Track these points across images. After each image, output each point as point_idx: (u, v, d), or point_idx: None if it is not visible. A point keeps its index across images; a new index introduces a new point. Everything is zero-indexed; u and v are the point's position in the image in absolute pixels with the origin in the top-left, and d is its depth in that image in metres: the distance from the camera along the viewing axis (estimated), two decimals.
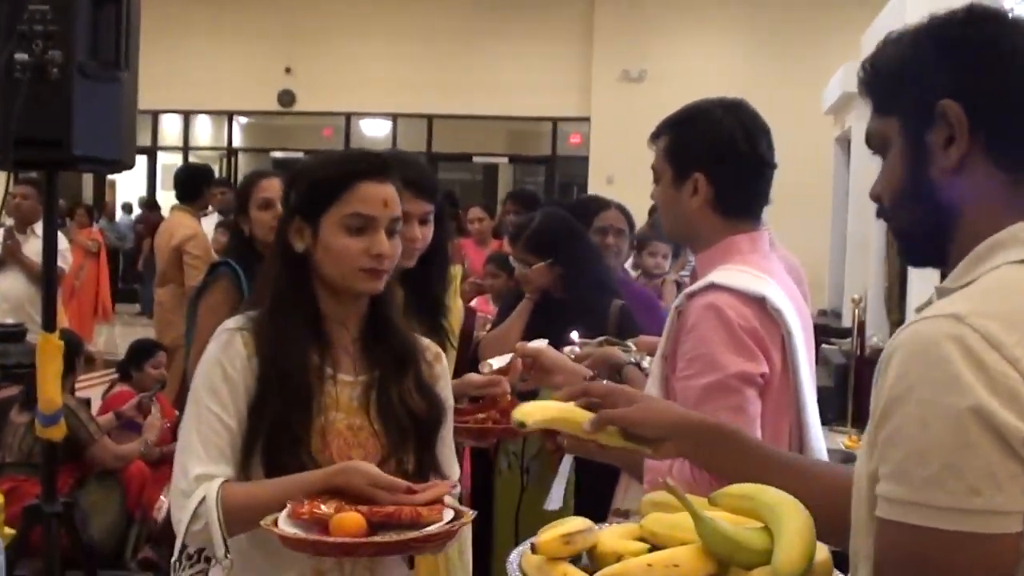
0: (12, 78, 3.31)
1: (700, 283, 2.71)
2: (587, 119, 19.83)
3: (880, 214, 1.81)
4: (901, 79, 1.74)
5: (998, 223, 1.64)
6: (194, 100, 20.62)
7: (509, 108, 20.00)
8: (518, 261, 4.74)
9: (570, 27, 19.96)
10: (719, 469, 2.11)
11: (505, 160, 22.14)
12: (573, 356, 3.35)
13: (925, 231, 1.74)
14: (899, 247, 1.84)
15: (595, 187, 17.70)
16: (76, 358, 6.44)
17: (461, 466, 3.71)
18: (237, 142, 22.53)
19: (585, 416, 2.13)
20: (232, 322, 2.69)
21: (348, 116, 21.42)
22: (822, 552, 1.79)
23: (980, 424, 1.43)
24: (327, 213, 2.63)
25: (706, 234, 2.83)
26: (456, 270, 3.99)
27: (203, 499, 2.50)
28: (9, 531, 4.80)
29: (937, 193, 1.68)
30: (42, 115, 3.33)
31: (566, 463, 3.76)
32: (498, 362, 3.64)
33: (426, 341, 2.91)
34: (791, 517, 1.75)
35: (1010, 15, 1.72)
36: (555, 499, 3.76)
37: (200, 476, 2.52)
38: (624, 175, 13.30)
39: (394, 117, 21.42)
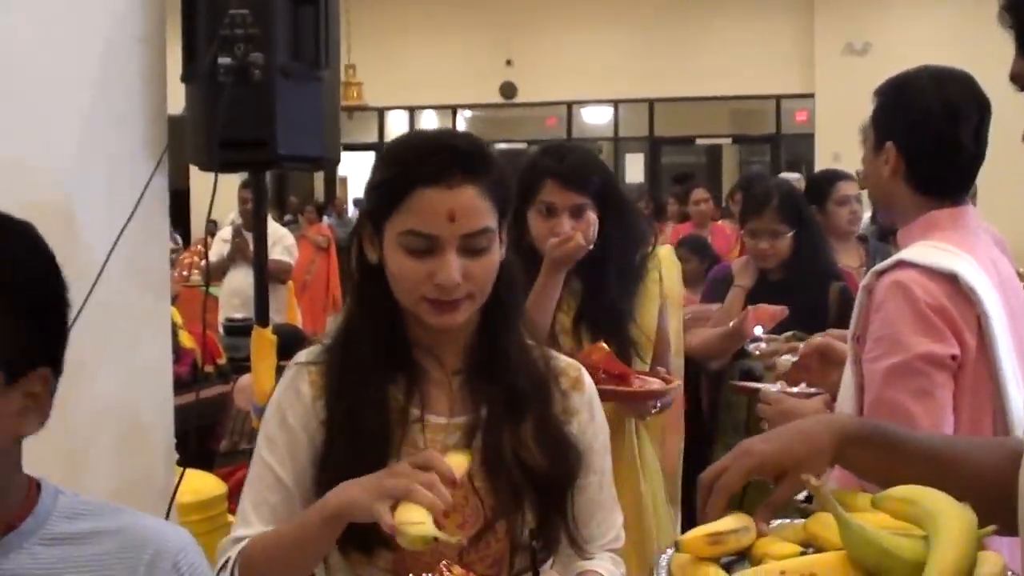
0: (216, 82, 3.39)
1: (889, 260, 2.62)
2: (811, 95, 19.45)
3: None
4: None
5: None
6: (418, 95, 20.91)
7: (730, 87, 19.75)
8: (762, 233, 4.64)
9: (790, 1, 19.60)
10: (863, 472, 1.87)
11: (729, 141, 21.90)
12: (758, 352, 3.25)
13: None
14: None
15: (822, 164, 17.36)
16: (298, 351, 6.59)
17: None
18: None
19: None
20: (304, 354, 2.22)
21: (569, 105, 21.45)
22: (992, 564, 1.57)
23: None
24: (389, 222, 2.08)
25: (902, 207, 2.73)
26: (657, 261, 3.71)
27: (225, 562, 2.09)
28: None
29: None
30: (246, 117, 3.40)
31: None
32: (760, 343, 3.38)
33: (564, 363, 2.30)
34: (949, 526, 1.55)
35: None
36: None
37: (239, 539, 2.10)
38: (851, 151, 12.75)
39: (615, 103, 21.38)
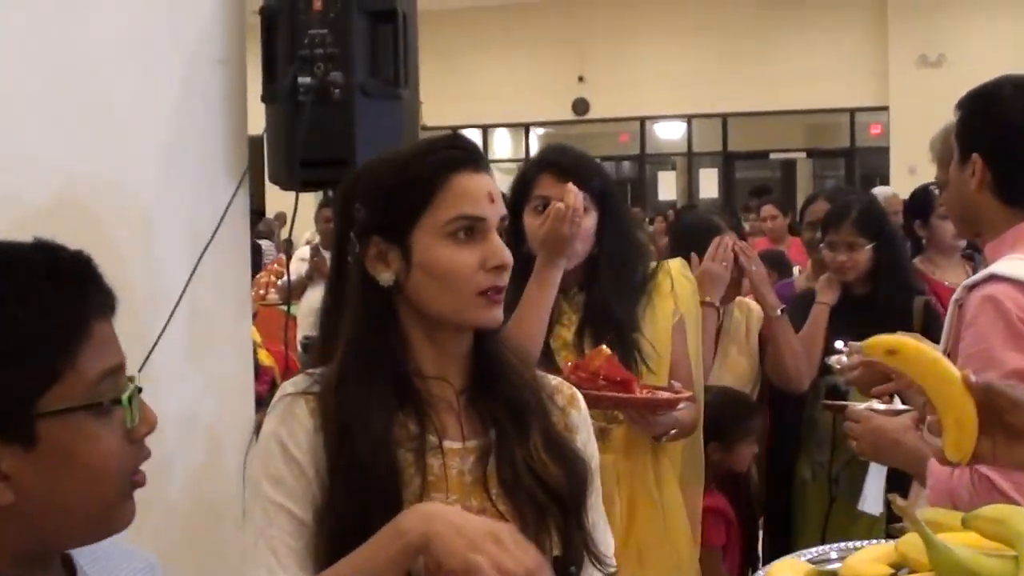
0: (296, 101, 3.41)
1: (981, 274, 2.57)
2: (885, 108, 19.29)
3: None
4: None
5: None
6: (491, 114, 20.95)
7: (804, 101, 19.62)
8: (840, 245, 4.60)
9: (862, 13, 19.44)
10: None
11: (803, 155, 21.76)
12: (840, 367, 3.20)
13: None
14: None
15: (897, 178, 17.22)
16: None
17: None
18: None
19: (955, 376, 1.82)
20: (292, 384, 2.07)
21: (642, 120, 21.43)
22: None
23: None
24: (419, 224, 2.01)
25: (989, 221, 2.68)
26: (667, 275, 3.42)
27: None
28: None
29: None
30: (326, 135, 3.43)
31: (879, 468, 3.63)
32: (842, 356, 3.31)
33: (555, 381, 2.25)
34: None
35: None
36: (871, 500, 3.64)
37: None
38: (927, 165, 12.58)
39: (688, 118, 21.32)
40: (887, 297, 4.41)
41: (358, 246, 2.05)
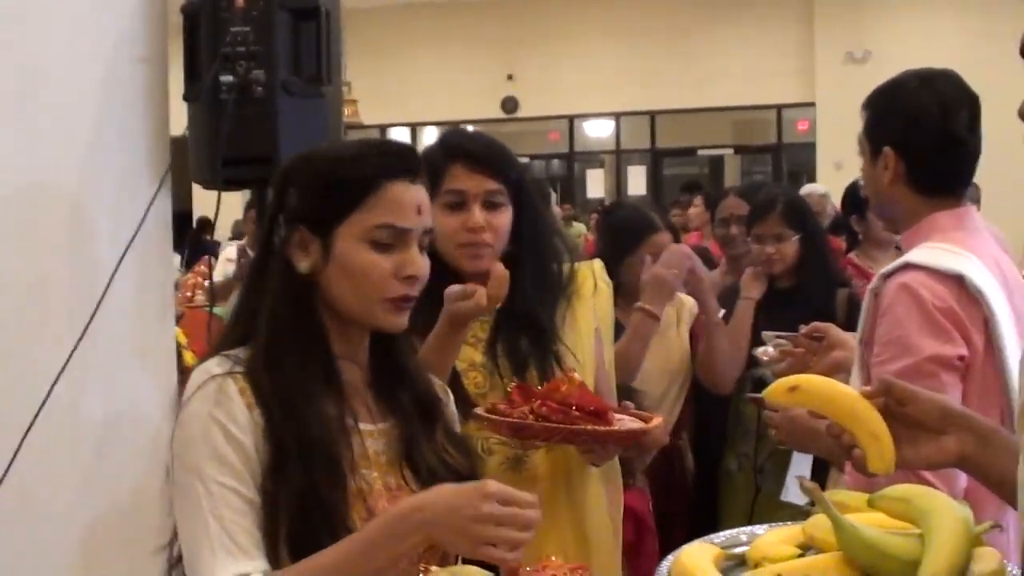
0: (218, 100, 3.39)
1: (896, 263, 2.62)
2: (812, 104, 19.46)
3: None
4: None
5: None
6: (420, 112, 20.91)
7: (731, 98, 19.76)
8: (767, 237, 4.63)
9: (789, 11, 19.60)
10: (1000, 478, 1.82)
11: (730, 151, 21.91)
12: (766, 358, 3.23)
13: None
14: None
15: (823, 173, 17.40)
16: None
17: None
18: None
19: (855, 394, 1.88)
20: (216, 365, 2.08)
21: (571, 118, 21.49)
22: (989, 560, 1.59)
23: None
24: (346, 222, 2.08)
25: (904, 211, 2.74)
26: (584, 269, 3.13)
27: None
28: None
29: None
30: (248, 134, 3.40)
31: (803, 457, 3.67)
32: (767, 347, 3.31)
33: (431, 376, 2.34)
34: (943, 524, 1.57)
35: None
36: (794, 490, 3.68)
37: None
38: (853, 160, 12.71)
39: (617, 116, 21.40)
40: (811, 290, 4.45)
41: (284, 230, 2.11)
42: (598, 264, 3.22)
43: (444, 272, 2.75)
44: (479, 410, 2.68)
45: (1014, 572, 1.63)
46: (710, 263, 7.20)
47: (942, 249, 2.59)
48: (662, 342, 4.45)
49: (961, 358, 2.49)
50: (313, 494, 1.98)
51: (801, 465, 3.59)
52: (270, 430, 2.01)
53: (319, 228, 2.09)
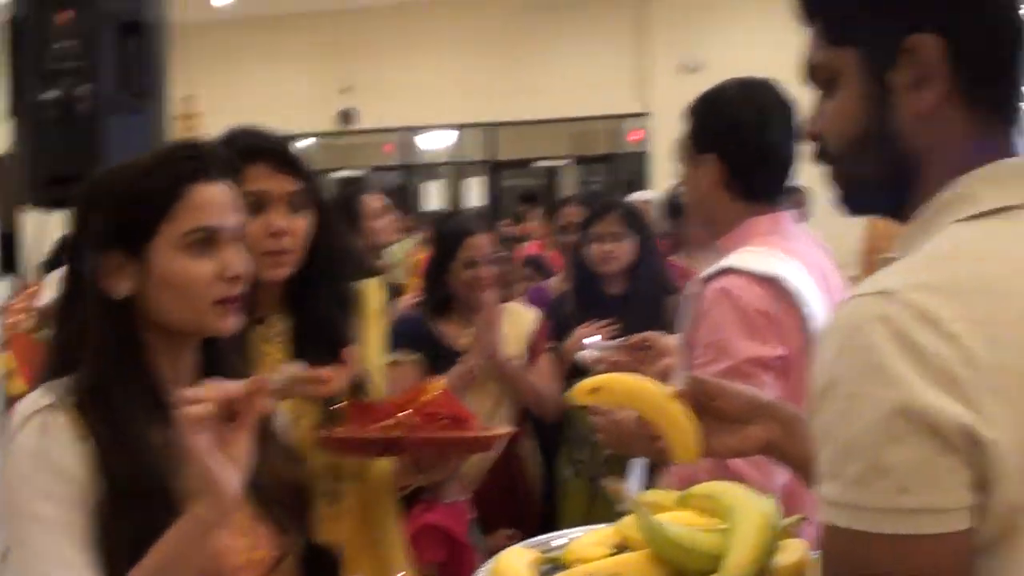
0: (42, 116, 3.34)
1: (715, 267, 2.68)
2: (647, 115, 19.69)
3: (821, 156, 1.63)
4: (865, 5, 1.52)
5: (960, 174, 1.46)
6: (257, 124, 20.68)
7: (568, 109, 19.89)
8: (605, 236, 4.68)
9: (623, 22, 19.80)
10: (804, 462, 1.84)
11: (567, 162, 22.07)
12: (590, 361, 3.28)
13: (882, 180, 1.55)
14: (845, 195, 1.63)
15: (659, 182, 17.60)
16: None
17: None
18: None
19: (659, 389, 1.93)
20: (41, 396, 2.01)
21: (408, 130, 21.45)
22: (793, 551, 1.67)
23: (909, 419, 1.27)
24: (157, 236, 2.02)
25: (723, 216, 2.81)
26: (370, 287, 2.97)
27: None
28: None
29: (902, 140, 1.50)
30: (73, 151, 3.36)
31: (637, 461, 3.71)
32: (593, 351, 3.33)
33: None
34: (748, 518, 1.64)
35: None
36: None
37: None
38: None
39: (454, 128, 21.42)
40: (641, 296, 4.51)
41: (93, 257, 2.04)
42: (376, 282, 3.05)
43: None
44: (327, 432, 2.59)
45: None
46: (547, 272, 7.29)
47: (759, 253, 2.66)
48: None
49: (779, 358, 2.55)
50: (150, 528, 1.90)
51: (637, 473, 3.63)
52: (102, 463, 1.94)
53: (131, 248, 2.04)
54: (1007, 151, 1.47)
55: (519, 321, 4.59)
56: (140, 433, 1.99)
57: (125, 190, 2.06)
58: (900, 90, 1.49)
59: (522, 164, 21.85)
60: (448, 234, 4.56)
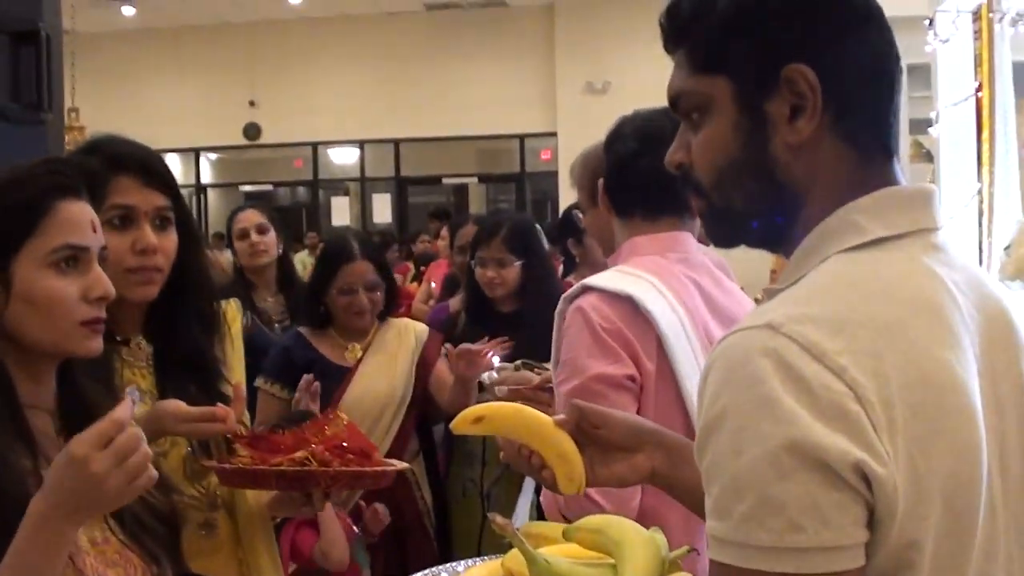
0: None
1: (576, 286, 2.68)
2: (554, 134, 19.77)
3: (689, 185, 1.57)
4: (737, 33, 1.48)
5: (837, 206, 1.43)
6: (160, 139, 20.20)
7: (476, 127, 19.97)
8: (489, 261, 4.66)
9: (531, 42, 19.92)
10: (690, 490, 1.79)
11: (475, 180, 22.10)
12: (489, 381, 3.25)
13: (755, 212, 1.50)
14: (715, 227, 1.58)
15: (565, 200, 17.62)
16: None
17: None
18: (206, 178, 22.39)
19: (544, 419, 1.90)
20: None
21: (315, 145, 21.36)
22: None
23: (797, 455, 1.23)
24: (22, 251, 1.92)
25: (614, 238, 2.83)
26: (231, 308, 2.86)
27: None
28: None
29: (779, 171, 1.46)
30: None
31: (528, 485, 3.69)
32: (493, 373, 3.29)
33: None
34: (634, 552, 1.63)
35: None
36: (522, 518, 3.70)
37: None
38: None
39: (361, 144, 21.37)
40: (533, 314, 4.48)
41: None
42: (236, 302, 2.95)
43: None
44: (225, 464, 2.52)
45: None
46: (458, 289, 7.27)
47: (620, 272, 2.67)
48: (380, 369, 4.40)
49: (631, 378, 2.53)
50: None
51: (528, 492, 3.61)
52: None
53: None
54: (888, 180, 1.45)
55: (407, 335, 4.52)
56: (6, 460, 1.84)
57: None
58: (776, 120, 1.45)
59: (429, 181, 21.85)
60: (327, 258, 4.48)
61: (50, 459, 1.86)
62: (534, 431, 1.87)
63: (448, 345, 4.25)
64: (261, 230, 5.54)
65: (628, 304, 2.56)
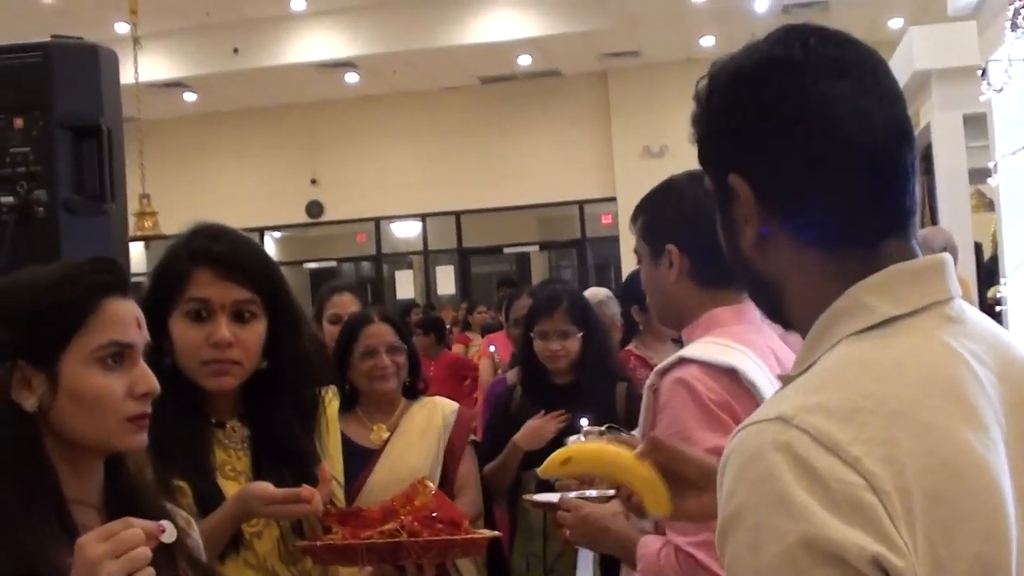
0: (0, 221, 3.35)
1: (671, 358, 2.66)
2: (613, 199, 19.81)
3: None
4: (702, 137, 1.54)
5: (825, 294, 1.41)
6: (224, 219, 20.09)
7: (535, 195, 20.06)
8: (552, 334, 4.67)
9: (587, 109, 20.05)
10: None
11: (536, 248, 22.16)
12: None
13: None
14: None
15: (627, 264, 17.67)
16: None
17: None
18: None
19: (626, 453, 2.01)
20: None
21: (377, 220, 21.53)
22: None
23: (814, 552, 1.21)
24: (69, 348, 1.94)
25: (688, 308, 2.77)
26: (328, 392, 2.87)
27: None
28: None
29: (752, 268, 1.50)
30: (30, 255, 3.35)
31: (585, 556, 3.69)
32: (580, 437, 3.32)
33: (171, 507, 2.15)
34: None
35: (812, 49, 1.44)
36: None
37: None
38: None
39: (423, 217, 21.51)
40: (591, 385, 4.49)
41: None
42: (334, 388, 2.98)
43: (187, 387, 2.57)
44: (315, 542, 2.55)
45: None
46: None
47: (717, 343, 2.64)
48: (407, 451, 4.30)
49: None
50: None
51: (586, 565, 3.62)
52: None
53: (40, 361, 1.93)
54: (877, 264, 1.41)
55: (435, 415, 4.38)
56: (45, 560, 1.83)
57: (35, 302, 1.95)
58: (738, 222, 1.49)
59: (491, 251, 21.93)
60: (347, 327, 4.44)
61: None
62: (619, 464, 1.99)
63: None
64: None
65: (731, 376, 2.55)
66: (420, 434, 4.30)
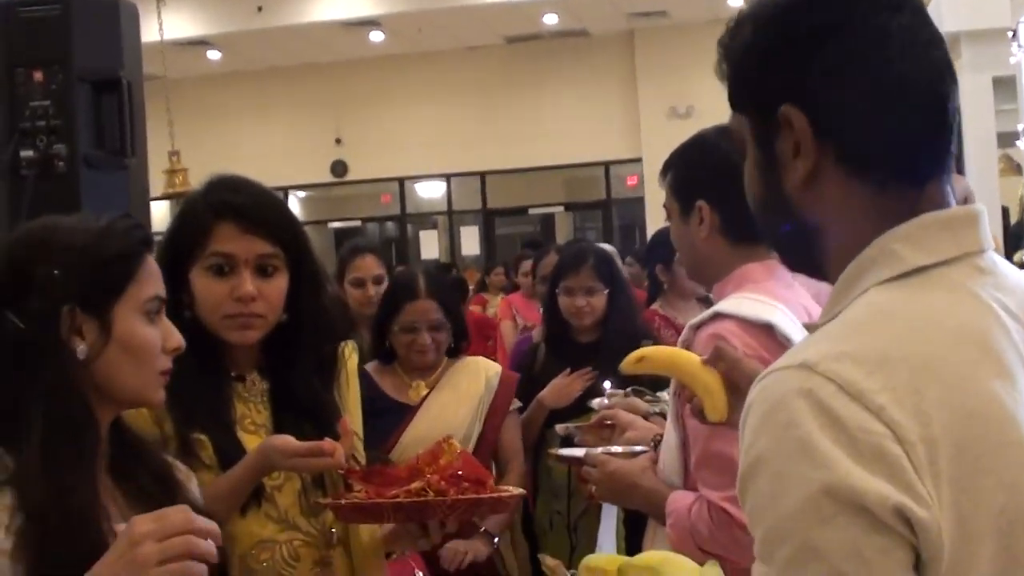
0: (19, 175, 3.34)
1: (706, 313, 2.64)
2: (639, 160, 19.75)
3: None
4: (744, 73, 1.50)
5: (865, 237, 1.38)
6: (237, 175, 20.67)
7: (560, 156, 19.99)
8: (578, 290, 4.66)
9: (613, 69, 19.95)
10: None
11: (561, 209, 22.11)
12: (600, 408, 3.23)
13: (792, 245, 1.51)
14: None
15: (652, 226, 17.61)
16: None
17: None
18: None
19: (694, 358, 2.22)
20: None
21: (401, 180, 21.51)
22: None
23: (836, 500, 1.20)
24: (123, 297, 1.93)
25: (718, 264, 2.74)
26: (348, 348, 2.81)
27: None
28: None
29: (793, 209, 1.45)
30: (51, 209, 3.33)
31: (609, 513, 3.68)
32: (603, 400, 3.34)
33: (171, 459, 2.17)
34: None
35: None
36: (607, 549, 3.69)
37: None
38: None
39: (447, 177, 21.48)
40: (615, 343, 4.46)
41: (46, 316, 1.89)
42: (353, 343, 2.88)
43: (207, 340, 2.54)
44: (339, 499, 2.53)
45: None
46: None
47: (751, 299, 2.62)
48: (445, 409, 4.26)
49: None
50: None
51: (609, 523, 3.61)
52: (41, 541, 1.78)
53: (94, 307, 1.91)
54: (921, 206, 1.39)
55: (478, 376, 4.33)
56: (91, 519, 1.82)
57: (94, 249, 1.92)
58: (784, 158, 1.45)
59: (516, 212, 21.90)
60: (392, 294, 4.40)
61: (108, 510, 1.91)
62: (685, 368, 2.20)
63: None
64: (378, 281, 5.21)
65: (767, 331, 2.54)
66: (462, 393, 4.27)
